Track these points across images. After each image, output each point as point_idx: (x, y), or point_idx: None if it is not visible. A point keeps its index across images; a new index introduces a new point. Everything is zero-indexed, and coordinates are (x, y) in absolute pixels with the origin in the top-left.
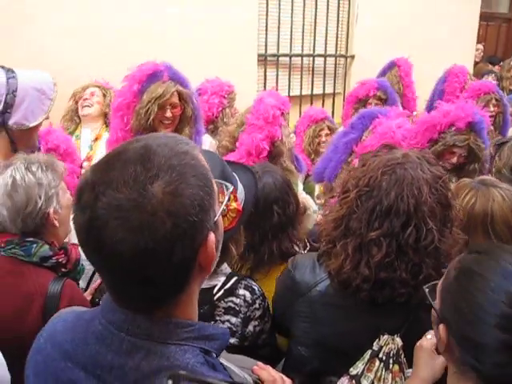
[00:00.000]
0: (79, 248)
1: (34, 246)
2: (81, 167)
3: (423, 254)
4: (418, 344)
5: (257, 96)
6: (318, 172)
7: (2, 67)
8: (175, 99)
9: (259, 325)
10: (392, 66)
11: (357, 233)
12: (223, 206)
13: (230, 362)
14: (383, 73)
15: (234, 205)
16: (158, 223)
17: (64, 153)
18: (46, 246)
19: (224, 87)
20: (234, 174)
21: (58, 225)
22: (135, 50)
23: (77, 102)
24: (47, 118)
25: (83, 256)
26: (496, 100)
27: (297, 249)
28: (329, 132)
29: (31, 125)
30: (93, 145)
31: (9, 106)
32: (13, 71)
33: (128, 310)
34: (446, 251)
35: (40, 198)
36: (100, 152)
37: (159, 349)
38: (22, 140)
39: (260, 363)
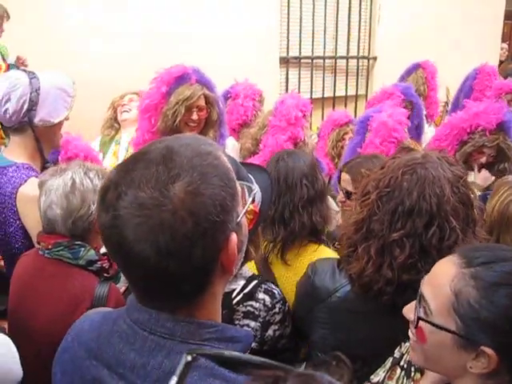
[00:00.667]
0: None
1: (82, 249)
2: None
3: (447, 254)
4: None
5: (278, 98)
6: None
7: (24, 71)
8: (202, 102)
9: (279, 329)
10: (417, 67)
11: (379, 235)
12: (247, 207)
13: None
14: (408, 73)
15: (250, 206)
16: (178, 222)
17: (84, 160)
18: (93, 251)
19: (256, 90)
20: (249, 175)
21: None
22: (160, 53)
23: (115, 111)
24: (67, 119)
25: None
26: None
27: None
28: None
29: (56, 121)
30: (128, 147)
31: (34, 104)
32: (33, 73)
33: (152, 309)
34: None
35: (93, 203)
36: None
37: (180, 348)
38: (47, 138)
39: None
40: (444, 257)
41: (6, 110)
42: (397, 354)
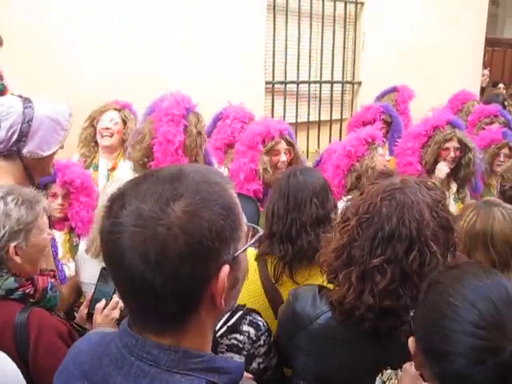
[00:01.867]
0: (48, 277)
1: None
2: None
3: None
4: (404, 367)
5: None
6: None
7: (20, 96)
8: None
9: (264, 362)
10: (393, 90)
11: (359, 261)
12: (247, 246)
13: None
14: (383, 94)
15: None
16: (171, 238)
17: (80, 187)
18: (12, 278)
19: (246, 113)
20: None
21: (19, 261)
22: (143, 78)
23: (93, 126)
24: (62, 148)
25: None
26: (499, 123)
27: None
28: None
29: (45, 154)
30: (109, 174)
31: (24, 135)
32: (30, 101)
33: (140, 330)
34: None
35: (4, 228)
36: None
37: (164, 377)
38: (37, 168)
39: None
40: (425, 282)
41: None
42: (378, 381)
